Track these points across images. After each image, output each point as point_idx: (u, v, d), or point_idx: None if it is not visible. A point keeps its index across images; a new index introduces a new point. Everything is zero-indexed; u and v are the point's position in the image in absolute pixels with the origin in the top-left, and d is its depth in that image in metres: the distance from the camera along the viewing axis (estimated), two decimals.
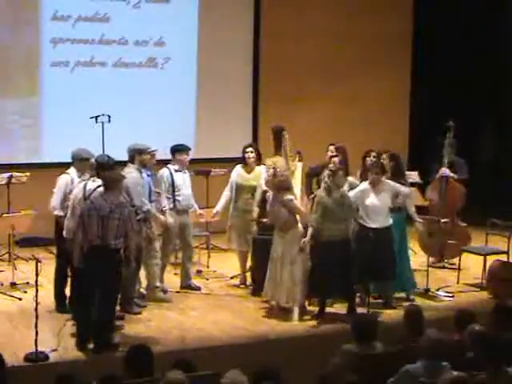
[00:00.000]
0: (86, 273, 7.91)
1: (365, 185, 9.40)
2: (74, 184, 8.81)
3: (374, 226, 9.16)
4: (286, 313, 9.11)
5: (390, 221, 9.31)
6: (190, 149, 9.97)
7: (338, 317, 8.99)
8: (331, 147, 10.21)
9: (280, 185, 9.12)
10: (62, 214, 8.81)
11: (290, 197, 9.09)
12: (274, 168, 9.30)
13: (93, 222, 7.80)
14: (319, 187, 9.39)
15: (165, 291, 9.67)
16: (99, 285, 7.81)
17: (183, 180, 9.82)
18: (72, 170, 8.97)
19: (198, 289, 9.98)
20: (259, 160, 10.09)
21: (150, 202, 9.17)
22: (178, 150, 9.85)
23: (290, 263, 9.01)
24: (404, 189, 9.46)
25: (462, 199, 11.15)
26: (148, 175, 9.25)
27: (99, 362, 7.59)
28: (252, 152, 10.06)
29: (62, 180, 8.96)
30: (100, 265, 7.79)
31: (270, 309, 9.25)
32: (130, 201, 8.52)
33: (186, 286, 9.98)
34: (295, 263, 9.02)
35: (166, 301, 9.48)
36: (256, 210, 9.74)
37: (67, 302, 8.93)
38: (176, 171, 9.77)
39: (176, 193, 9.70)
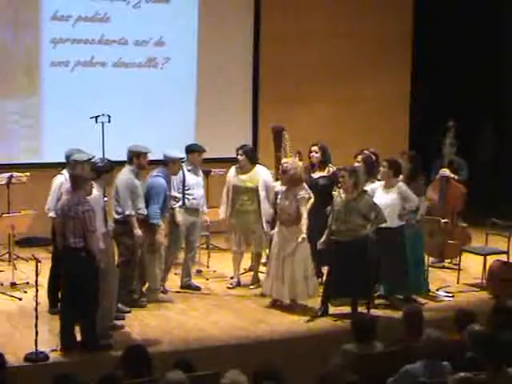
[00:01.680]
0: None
1: (377, 183, 9.43)
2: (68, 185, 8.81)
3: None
4: (288, 309, 9.18)
5: (397, 222, 9.27)
6: (204, 150, 9.93)
7: (339, 317, 9.00)
8: (314, 147, 10.20)
9: (293, 178, 9.15)
10: (55, 215, 8.82)
11: (305, 195, 9.13)
12: (281, 164, 9.30)
13: (58, 221, 7.94)
14: None
15: (165, 291, 9.67)
16: (73, 283, 7.84)
17: (196, 180, 9.81)
18: (66, 171, 8.93)
19: (198, 289, 9.98)
20: (253, 161, 10.03)
21: (165, 206, 9.18)
22: (190, 149, 9.87)
23: (290, 259, 9.06)
24: (415, 197, 9.41)
25: (463, 200, 11.15)
26: (165, 179, 9.24)
27: (99, 362, 7.59)
28: (241, 155, 9.99)
29: (56, 181, 8.96)
30: (66, 264, 7.92)
31: (271, 305, 9.30)
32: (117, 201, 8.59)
33: (186, 286, 9.98)
34: (295, 259, 9.06)
35: (166, 302, 9.47)
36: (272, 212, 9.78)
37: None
38: (189, 170, 9.78)
39: (186, 191, 9.71)
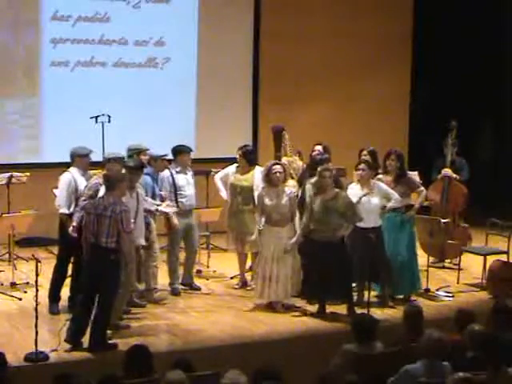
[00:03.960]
0: (84, 269, 8.05)
1: (353, 185, 9.41)
2: (77, 182, 8.87)
3: (359, 225, 9.07)
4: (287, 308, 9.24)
5: (379, 222, 9.29)
6: (191, 150, 9.96)
7: (338, 317, 9.00)
8: (318, 147, 10.20)
9: (287, 176, 9.21)
10: (67, 211, 8.85)
11: (294, 193, 9.16)
12: (278, 163, 9.29)
13: (89, 220, 7.89)
14: None
15: (177, 293, 9.74)
16: (96, 283, 7.83)
17: (186, 181, 9.81)
18: (73, 169, 9.00)
19: (198, 289, 9.98)
20: (251, 163, 10.00)
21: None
22: (179, 151, 9.84)
23: (286, 257, 9.07)
24: (396, 195, 9.40)
25: (465, 199, 11.15)
26: (152, 177, 9.28)
27: (99, 361, 7.60)
28: (240, 156, 9.97)
29: (65, 178, 8.98)
30: (93, 263, 7.88)
31: (269, 307, 9.28)
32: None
33: (187, 283, 9.95)
34: (290, 257, 9.09)
35: (163, 302, 9.45)
36: None
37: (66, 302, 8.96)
38: (177, 172, 9.76)
39: (178, 193, 9.69)
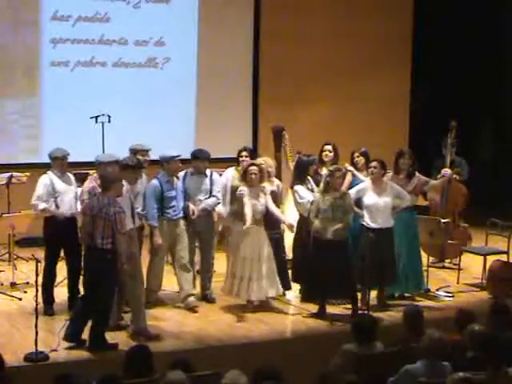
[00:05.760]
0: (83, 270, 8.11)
1: (365, 183, 9.41)
2: (54, 183, 8.93)
3: (373, 226, 9.14)
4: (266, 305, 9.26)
5: (392, 222, 9.30)
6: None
7: (338, 317, 9.00)
8: (328, 146, 10.20)
9: (265, 177, 9.19)
10: (43, 206, 8.86)
11: (268, 189, 9.21)
12: (253, 163, 9.25)
13: (86, 221, 7.93)
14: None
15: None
16: (94, 283, 7.85)
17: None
18: (50, 171, 9.10)
19: (213, 301, 9.56)
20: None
21: (164, 207, 9.12)
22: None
23: (267, 256, 9.06)
24: (408, 196, 9.42)
25: (465, 199, 11.15)
26: (160, 181, 9.17)
27: (99, 361, 7.59)
28: (247, 156, 9.83)
29: (40, 180, 9.07)
30: (90, 263, 7.92)
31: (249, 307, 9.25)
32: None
33: (203, 296, 9.61)
34: (271, 255, 9.10)
35: (163, 302, 9.39)
36: None
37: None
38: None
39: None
